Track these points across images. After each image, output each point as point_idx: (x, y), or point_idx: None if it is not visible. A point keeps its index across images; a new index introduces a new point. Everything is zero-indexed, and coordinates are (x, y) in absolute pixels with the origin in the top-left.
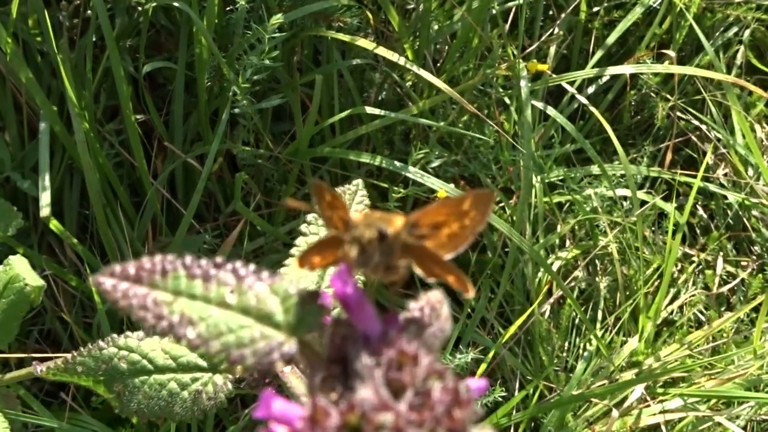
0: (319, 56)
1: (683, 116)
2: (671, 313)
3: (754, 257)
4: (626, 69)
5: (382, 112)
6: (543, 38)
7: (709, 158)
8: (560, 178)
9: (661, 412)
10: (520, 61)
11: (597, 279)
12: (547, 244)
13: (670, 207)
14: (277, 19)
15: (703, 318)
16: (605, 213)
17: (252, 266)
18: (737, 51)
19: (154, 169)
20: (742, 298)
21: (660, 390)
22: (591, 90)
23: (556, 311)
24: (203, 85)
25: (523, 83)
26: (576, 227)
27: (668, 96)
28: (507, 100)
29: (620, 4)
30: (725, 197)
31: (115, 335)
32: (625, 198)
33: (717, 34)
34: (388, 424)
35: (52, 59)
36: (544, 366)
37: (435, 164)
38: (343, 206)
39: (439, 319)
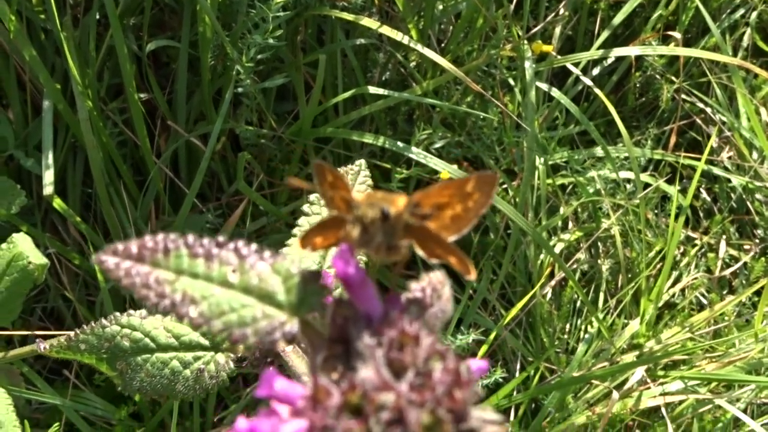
0: (323, 36)
1: (688, 98)
2: (673, 296)
3: (757, 241)
4: (632, 51)
5: (386, 92)
6: (548, 19)
7: (713, 141)
8: (564, 160)
9: (661, 395)
10: (525, 41)
11: (599, 261)
12: (550, 226)
13: (673, 190)
14: None
15: (704, 301)
16: (608, 195)
17: (254, 246)
18: (744, 33)
19: (157, 148)
20: (744, 282)
21: (661, 372)
22: (596, 71)
23: (557, 293)
24: (206, 64)
25: (527, 64)
26: (579, 209)
27: (673, 78)
28: (511, 81)
29: None
30: (729, 180)
31: (117, 314)
32: (628, 180)
33: (723, 16)
34: (389, 404)
35: (55, 37)
36: (545, 347)
37: (438, 145)
38: (345, 186)
39: (441, 300)
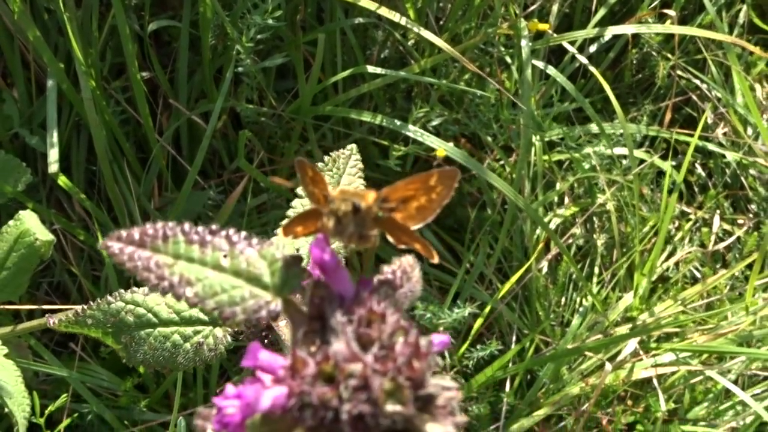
0: (322, 14)
1: (684, 75)
2: (667, 269)
3: (751, 215)
4: (628, 29)
5: (384, 71)
6: None
7: (708, 117)
8: (560, 136)
9: (653, 366)
10: (522, 20)
11: (594, 236)
12: (546, 202)
13: (667, 165)
14: None
15: (698, 275)
16: (604, 171)
17: (243, 233)
18: (740, 10)
19: (159, 126)
20: (737, 256)
21: (653, 345)
22: (593, 49)
23: (553, 267)
24: (207, 43)
25: (524, 42)
26: (575, 185)
27: (669, 55)
28: (508, 59)
29: None
30: (724, 156)
31: (122, 290)
32: (623, 156)
33: None
34: (357, 372)
35: (58, 17)
36: (541, 320)
37: (435, 122)
38: (323, 182)
39: (410, 281)
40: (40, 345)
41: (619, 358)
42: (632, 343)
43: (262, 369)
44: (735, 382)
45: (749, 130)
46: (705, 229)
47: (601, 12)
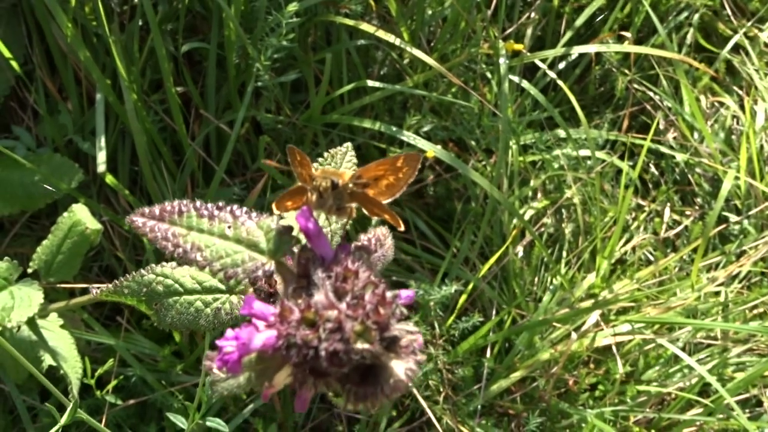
0: (330, 37)
1: (639, 88)
2: (624, 253)
3: (697, 207)
4: (591, 48)
5: (382, 85)
6: (521, 21)
7: (660, 124)
8: (533, 140)
9: (612, 335)
10: (501, 41)
11: (563, 225)
12: (522, 196)
13: (624, 165)
14: (293, 6)
15: (651, 258)
16: (571, 170)
17: (245, 208)
18: (687, 32)
19: (192, 133)
20: (685, 242)
21: (612, 317)
22: (561, 66)
23: (527, 251)
24: (232, 62)
25: (502, 60)
26: (546, 182)
27: (627, 71)
28: (489, 75)
29: None
30: (674, 157)
31: (153, 264)
32: (588, 157)
33: (670, 17)
34: (332, 317)
35: (105, 41)
36: (517, 297)
37: (426, 128)
38: (308, 164)
39: (383, 247)
40: (92, 318)
41: (583, 328)
42: (594, 316)
43: (256, 317)
44: (683, 349)
45: (695, 135)
46: (657, 219)
47: (569, 34)
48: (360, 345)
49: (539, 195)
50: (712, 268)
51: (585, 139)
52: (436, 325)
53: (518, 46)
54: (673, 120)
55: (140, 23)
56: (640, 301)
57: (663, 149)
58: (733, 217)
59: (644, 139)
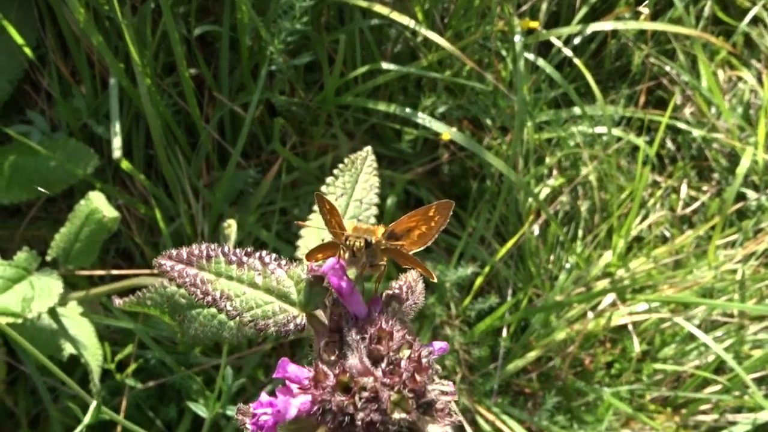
0: (343, 16)
1: (656, 63)
2: (641, 231)
3: (714, 183)
4: (606, 26)
5: (396, 67)
6: None
7: (677, 99)
8: (549, 118)
9: (629, 314)
10: (515, 18)
11: (578, 203)
12: (537, 174)
13: (641, 141)
14: None
15: (667, 235)
16: (586, 147)
17: (274, 255)
18: (705, 4)
19: (206, 116)
20: (702, 218)
21: (629, 296)
22: (577, 41)
23: (543, 230)
24: (245, 44)
25: (517, 38)
26: (561, 159)
27: (643, 46)
28: (504, 53)
29: None
30: (690, 132)
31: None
32: (604, 134)
33: None
34: (368, 385)
35: (117, 25)
36: (533, 276)
37: (441, 109)
38: (338, 213)
39: (414, 294)
40: (110, 302)
41: (600, 307)
42: (611, 296)
43: (290, 380)
44: (699, 327)
45: (713, 110)
46: (674, 196)
47: (584, 10)
48: (397, 415)
49: (555, 173)
50: (729, 246)
51: (601, 116)
52: (453, 305)
53: (533, 24)
54: (690, 95)
55: (152, 6)
56: (656, 280)
57: (680, 125)
58: (750, 193)
59: (661, 115)
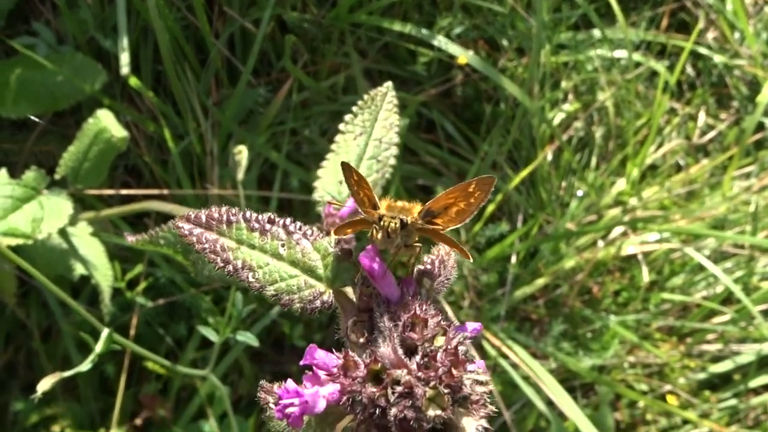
0: None
1: None
2: (655, 160)
3: (733, 111)
4: None
5: None
6: None
7: (701, 23)
8: (567, 40)
9: (640, 243)
10: None
11: (593, 128)
12: (552, 99)
13: (661, 67)
14: None
15: (682, 164)
16: (604, 71)
17: (298, 224)
18: None
19: (215, 31)
20: (718, 147)
21: (640, 225)
22: None
23: (556, 156)
24: None
25: None
26: (578, 84)
27: None
28: None
29: None
30: (711, 58)
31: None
32: (622, 58)
33: None
34: (402, 379)
35: None
36: (544, 203)
37: (458, 30)
38: (367, 185)
39: (446, 268)
40: (120, 220)
41: (611, 236)
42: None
43: (318, 367)
44: (709, 258)
45: (736, 35)
46: (691, 124)
47: None
48: (432, 412)
49: (570, 97)
50: (744, 177)
51: (621, 39)
52: (463, 231)
53: None
54: (713, 18)
55: None
56: (668, 209)
57: (701, 50)
58: None
59: (683, 40)
